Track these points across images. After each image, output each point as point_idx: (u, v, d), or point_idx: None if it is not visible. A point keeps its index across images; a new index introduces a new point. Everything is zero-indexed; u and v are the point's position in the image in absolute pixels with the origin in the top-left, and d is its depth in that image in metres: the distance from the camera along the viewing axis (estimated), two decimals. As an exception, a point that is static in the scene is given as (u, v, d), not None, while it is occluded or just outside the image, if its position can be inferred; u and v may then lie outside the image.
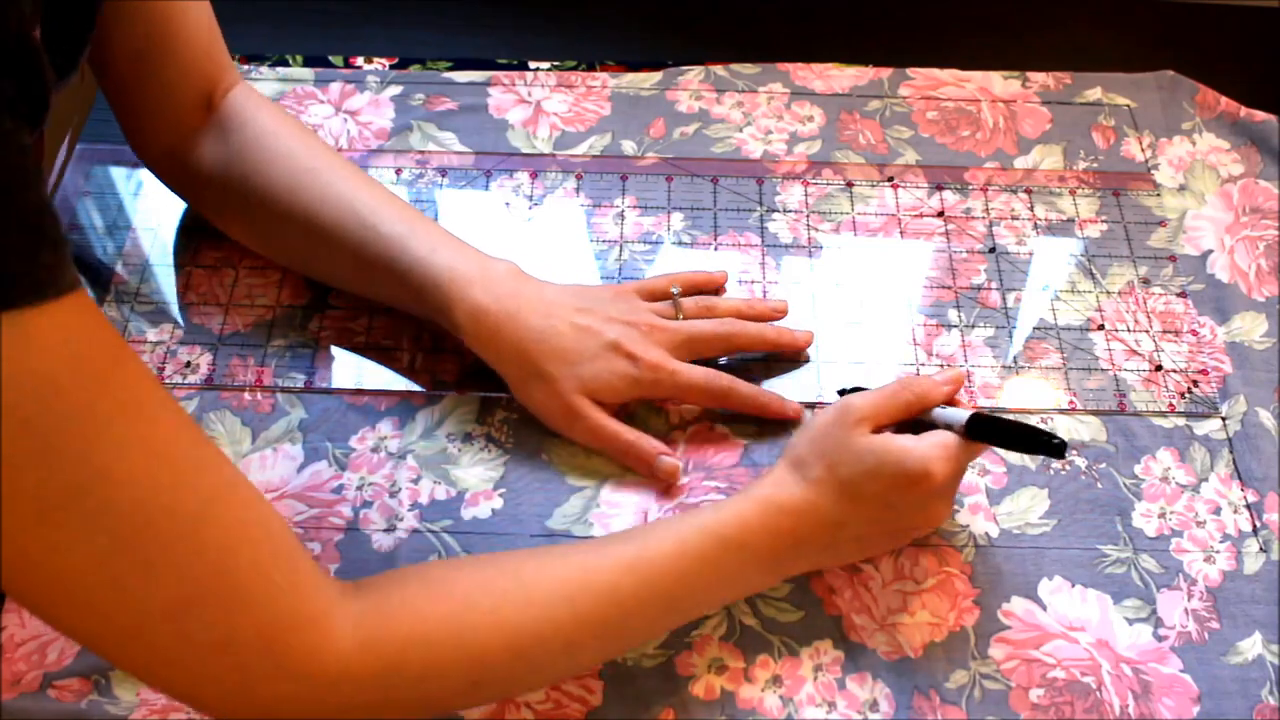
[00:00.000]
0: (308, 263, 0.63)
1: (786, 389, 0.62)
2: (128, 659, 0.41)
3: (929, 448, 0.51)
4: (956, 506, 0.58)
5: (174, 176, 0.65)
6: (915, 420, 0.55)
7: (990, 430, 0.52)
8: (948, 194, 0.71)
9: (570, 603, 0.47)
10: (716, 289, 0.65)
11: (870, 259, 0.68)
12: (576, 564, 0.49)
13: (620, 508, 0.58)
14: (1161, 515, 0.59)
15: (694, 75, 0.76)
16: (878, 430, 0.53)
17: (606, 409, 0.58)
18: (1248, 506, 0.59)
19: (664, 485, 0.58)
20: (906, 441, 0.52)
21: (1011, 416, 0.61)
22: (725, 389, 0.59)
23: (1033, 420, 0.61)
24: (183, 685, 0.42)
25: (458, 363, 0.63)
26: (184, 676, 0.41)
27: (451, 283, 0.57)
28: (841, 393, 0.54)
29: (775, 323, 0.64)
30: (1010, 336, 0.65)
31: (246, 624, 0.40)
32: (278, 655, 0.41)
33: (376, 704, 0.44)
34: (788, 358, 0.63)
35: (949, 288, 0.67)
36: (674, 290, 0.62)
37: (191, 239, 0.67)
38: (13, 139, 0.33)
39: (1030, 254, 0.68)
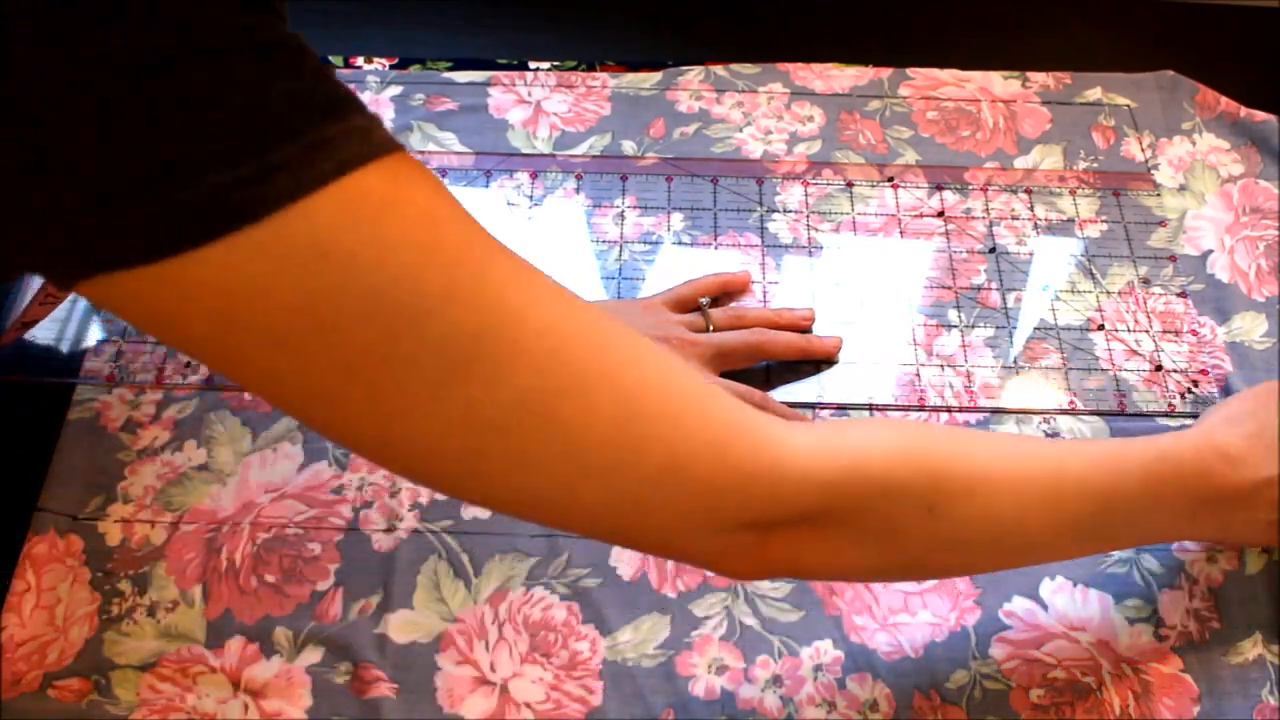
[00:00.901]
0: None
1: (789, 392, 0.62)
2: (579, 508, 0.38)
3: None
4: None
5: None
6: None
7: None
8: (948, 194, 0.71)
9: (1014, 463, 0.45)
10: (743, 288, 0.66)
11: (870, 259, 0.68)
12: (1013, 439, 0.49)
13: (620, 508, 0.58)
14: (1162, 515, 0.59)
15: (694, 75, 0.76)
16: None
17: None
18: (1248, 506, 0.59)
19: None
20: None
21: None
22: (757, 405, 0.58)
23: (1033, 420, 0.61)
24: (637, 520, 0.39)
25: (458, 363, 0.63)
26: (638, 509, 0.38)
27: None
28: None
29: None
30: (1010, 337, 0.65)
31: (693, 438, 0.38)
32: (732, 462, 0.38)
33: (843, 512, 0.41)
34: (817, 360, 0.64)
35: (949, 288, 0.67)
36: (703, 301, 0.62)
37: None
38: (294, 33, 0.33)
39: (1030, 254, 0.68)
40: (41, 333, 0.63)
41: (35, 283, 0.61)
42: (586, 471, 0.36)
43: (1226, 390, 0.63)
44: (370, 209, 0.32)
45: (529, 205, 0.70)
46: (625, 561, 0.56)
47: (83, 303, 0.64)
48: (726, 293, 0.65)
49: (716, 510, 0.39)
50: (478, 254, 0.34)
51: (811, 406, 0.62)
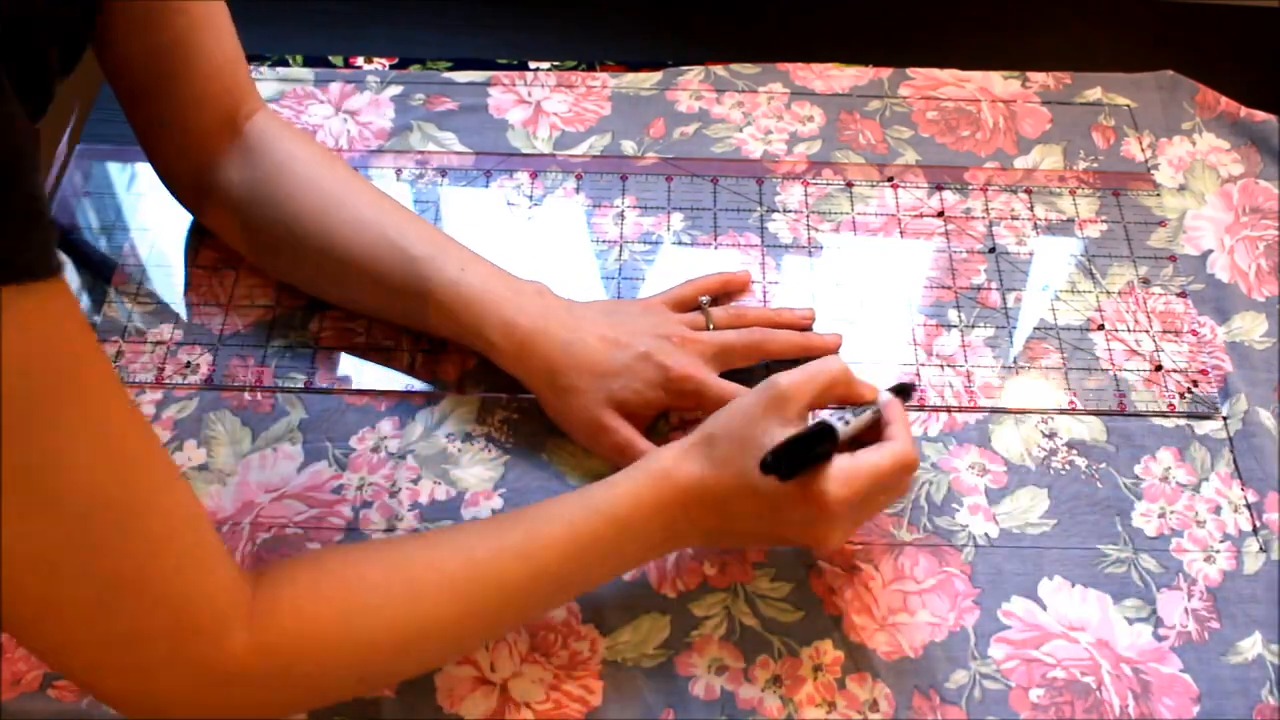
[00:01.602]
0: (335, 288, 0.62)
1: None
2: (39, 640, 0.41)
3: (831, 470, 0.48)
4: (955, 505, 0.58)
5: (198, 203, 0.64)
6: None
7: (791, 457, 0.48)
8: (948, 194, 0.71)
9: (457, 598, 0.48)
10: (743, 287, 0.66)
11: (870, 259, 0.68)
12: (465, 556, 0.48)
13: (620, 508, 0.58)
14: (1161, 515, 0.59)
15: (694, 75, 0.76)
16: (809, 411, 0.51)
17: (637, 423, 0.58)
18: (1248, 506, 0.59)
19: None
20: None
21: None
22: None
23: (1032, 420, 0.61)
24: (88, 673, 0.43)
25: (458, 363, 0.63)
26: (90, 665, 0.42)
27: (483, 301, 0.57)
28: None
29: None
30: (1010, 337, 0.65)
31: (159, 622, 0.41)
32: (179, 654, 0.42)
33: (267, 703, 0.45)
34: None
35: (949, 288, 0.67)
36: (703, 300, 0.62)
37: (191, 240, 0.67)
38: (15, 122, 0.34)
39: (1030, 254, 0.68)
40: (42, 333, 0.63)
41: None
42: (60, 621, 0.39)
43: (1226, 390, 0.63)
44: None
45: (529, 205, 0.70)
46: (625, 561, 0.56)
47: (81, 305, 0.64)
48: (727, 292, 0.65)
49: (158, 691, 0.43)
50: (57, 401, 0.36)
51: (811, 406, 0.62)
